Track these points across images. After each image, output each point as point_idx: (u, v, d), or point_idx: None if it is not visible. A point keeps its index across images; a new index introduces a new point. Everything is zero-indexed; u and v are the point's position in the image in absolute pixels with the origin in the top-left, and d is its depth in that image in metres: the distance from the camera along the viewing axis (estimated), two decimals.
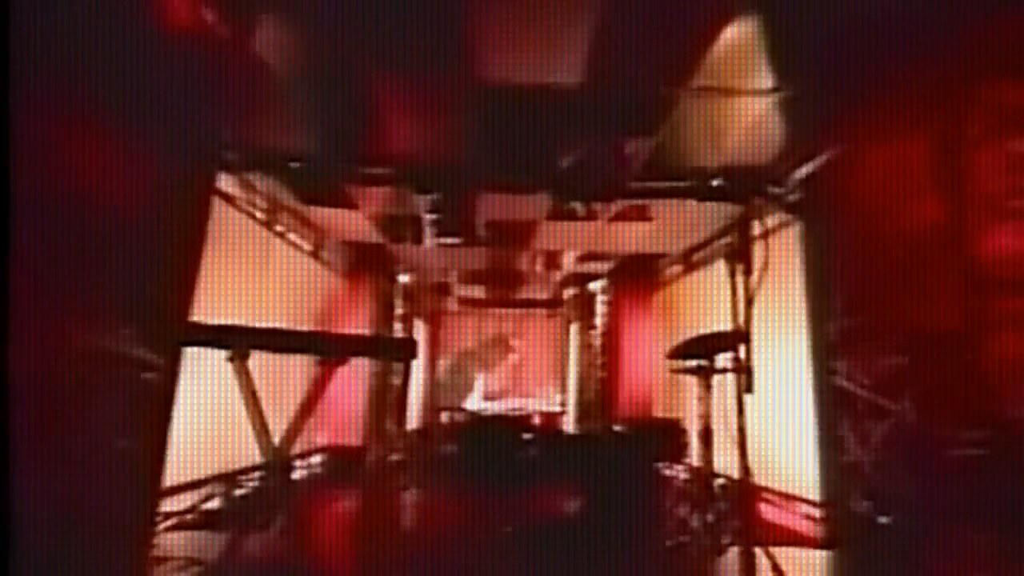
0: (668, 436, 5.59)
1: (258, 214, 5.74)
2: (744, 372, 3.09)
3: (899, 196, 3.93)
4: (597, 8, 3.13)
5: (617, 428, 6.76)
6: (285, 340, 3.39)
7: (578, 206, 5.78)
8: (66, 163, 3.11)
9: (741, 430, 3.04)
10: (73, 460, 3.46)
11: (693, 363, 3.99)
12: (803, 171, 4.85)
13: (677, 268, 8.06)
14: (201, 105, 4.27)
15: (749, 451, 3.10)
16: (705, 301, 6.99)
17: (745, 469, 3.02)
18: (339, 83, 4.11)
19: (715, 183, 5.06)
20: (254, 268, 5.81)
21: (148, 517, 4.04)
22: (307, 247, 7.16)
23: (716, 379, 3.82)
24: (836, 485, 4.48)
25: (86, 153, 3.28)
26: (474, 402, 11.74)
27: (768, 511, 5.21)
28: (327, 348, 3.04)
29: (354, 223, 6.82)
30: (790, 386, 5.03)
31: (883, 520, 4.10)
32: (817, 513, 4.73)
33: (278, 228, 6.20)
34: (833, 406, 4.56)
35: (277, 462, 2.85)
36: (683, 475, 6.25)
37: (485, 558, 4.01)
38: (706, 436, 3.81)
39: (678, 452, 5.54)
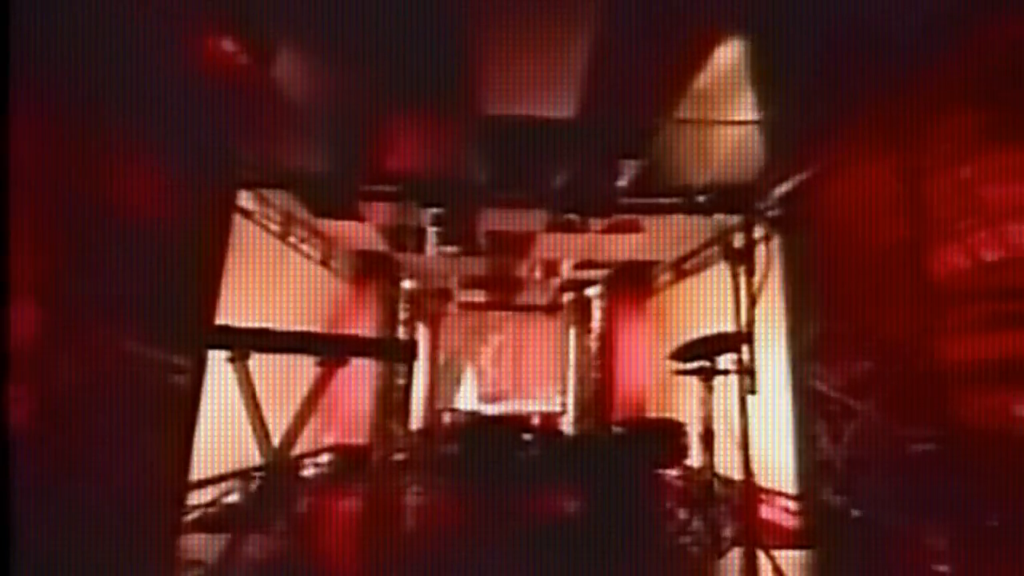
0: (669, 437, 5.58)
1: (273, 227, 6.11)
2: (747, 373, 3.38)
3: (866, 215, 4.30)
4: (590, 44, 3.50)
5: (617, 429, 6.88)
6: (288, 341, 3.73)
7: (574, 218, 6.13)
8: (101, 183, 3.49)
9: (744, 431, 3.29)
10: (108, 459, 3.83)
11: (696, 364, 4.25)
12: (782, 189, 5.21)
13: (668, 275, 8.43)
14: (222, 127, 4.63)
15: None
16: (695, 306, 7.38)
17: (748, 470, 3.24)
18: (350, 107, 4.47)
19: (701, 199, 5.43)
20: (269, 276, 6.17)
21: (176, 511, 4.41)
22: (317, 256, 7.53)
23: (716, 380, 4.13)
24: (811, 481, 4.84)
25: (118, 173, 3.65)
26: (467, 398, 12.09)
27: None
28: (330, 348, 3.37)
29: (361, 234, 7.20)
30: (770, 388, 5.39)
31: (855, 513, 4.45)
32: (792, 507, 5.09)
33: (291, 240, 6.56)
34: (808, 407, 4.92)
35: (276, 463, 3.04)
36: (684, 475, 6.40)
37: (486, 558, 4.07)
38: (707, 437, 4.08)
39: (679, 453, 5.55)
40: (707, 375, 4.20)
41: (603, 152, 4.65)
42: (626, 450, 5.38)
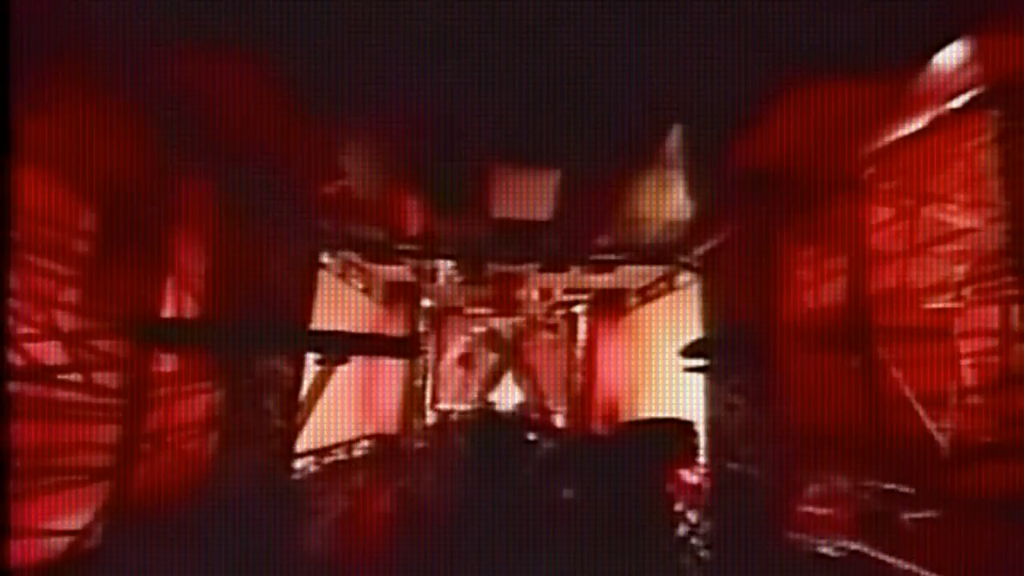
0: (679, 436, 5.90)
1: (336, 269, 8.37)
2: (749, 371, 5.27)
3: (752, 266, 6.42)
4: (561, 178, 5.68)
5: (620, 428, 7.82)
6: (309, 339, 5.96)
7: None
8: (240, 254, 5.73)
9: (745, 426, 4.97)
10: (256, 436, 6.09)
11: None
12: (703, 247, 7.41)
13: (636, 299, 10.65)
14: (309, 208, 6.85)
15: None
16: (657, 323, 9.61)
17: (748, 463, 4.88)
18: (393, 197, 6.66)
19: (646, 254, 7.65)
20: (329, 301, 8.40)
21: (290, 466, 6.70)
22: (360, 286, 9.77)
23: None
24: (716, 452, 7.01)
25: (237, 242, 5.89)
26: (485, 394, 14.02)
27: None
28: (342, 346, 5.59)
29: (395, 271, 9.44)
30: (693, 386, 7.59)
31: (752, 473, 6.57)
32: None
33: (347, 277, 8.81)
34: (718, 405, 7.08)
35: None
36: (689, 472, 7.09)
37: (493, 545, 4.37)
38: (712, 432, 5.70)
39: (690, 451, 5.89)
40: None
41: (575, 231, 6.87)
42: (637, 448, 5.52)
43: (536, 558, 4.13)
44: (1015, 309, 3.49)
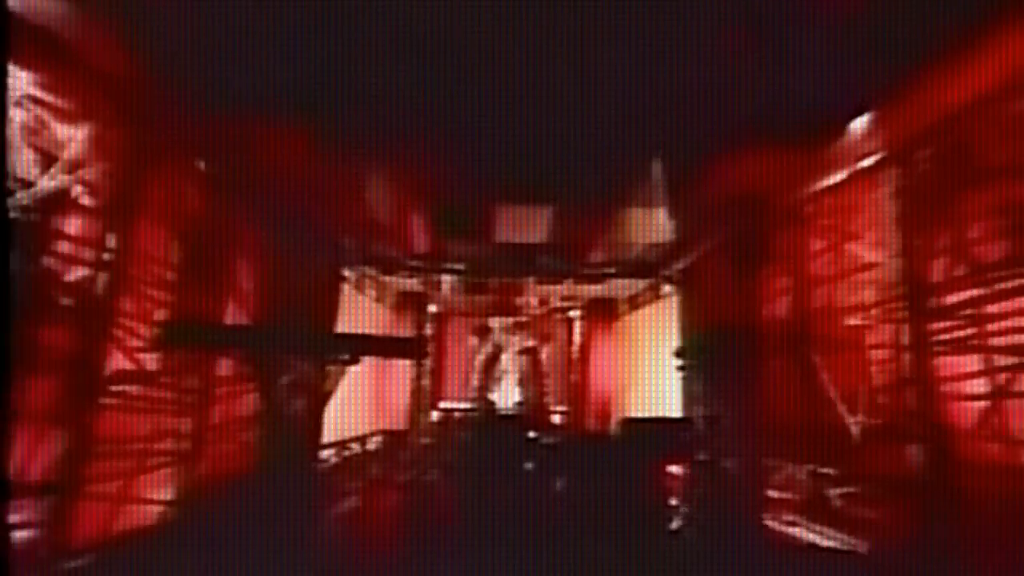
0: (676, 433, 6.28)
1: (353, 281, 9.35)
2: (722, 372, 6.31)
3: (724, 280, 7.39)
4: (554, 212, 6.67)
5: (618, 425, 7.87)
6: (324, 342, 6.96)
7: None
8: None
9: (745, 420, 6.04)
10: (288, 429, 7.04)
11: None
12: (680, 264, 8.38)
13: (626, 306, 11.63)
14: (335, 229, 7.83)
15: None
16: (645, 328, 10.58)
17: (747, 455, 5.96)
18: (408, 222, 7.64)
19: (632, 269, 8.63)
20: (347, 309, 9.38)
21: (317, 454, 7.68)
22: (374, 296, 10.74)
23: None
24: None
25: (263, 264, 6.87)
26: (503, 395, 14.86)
27: None
28: (353, 348, 6.59)
29: (406, 282, 10.42)
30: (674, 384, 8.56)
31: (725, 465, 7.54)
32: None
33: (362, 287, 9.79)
34: (694, 403, 8.05)
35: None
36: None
37: (495, 536, 4.58)
38: (711, 428, 6.70)
39: (686, 447, 6.22)
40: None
41: (568, 248, 7.87)
42: (633, 444, 5.75)
43: (536, 549, 4.29)
44: (904, 328, 4.47)
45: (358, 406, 9.96)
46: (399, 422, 11.94)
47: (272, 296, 6.45)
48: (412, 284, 10.70)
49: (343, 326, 8.54)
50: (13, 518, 3.51)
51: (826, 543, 5.05)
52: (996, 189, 3.79)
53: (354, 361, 7.15)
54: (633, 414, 10.02)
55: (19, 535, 3.56)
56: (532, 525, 4.79)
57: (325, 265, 7.90)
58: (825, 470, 5.34)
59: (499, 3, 4.26)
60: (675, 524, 5.49)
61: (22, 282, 3.38)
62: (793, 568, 4.46)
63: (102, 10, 3.46)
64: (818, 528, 5.31)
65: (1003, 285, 3.70)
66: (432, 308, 13.47)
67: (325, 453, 8.72)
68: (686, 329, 8.42)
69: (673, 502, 5.79)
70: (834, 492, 5.21)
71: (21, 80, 3.33)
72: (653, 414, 8.60)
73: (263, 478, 6.33)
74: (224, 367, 5.77)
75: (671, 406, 8.43)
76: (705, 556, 4.66)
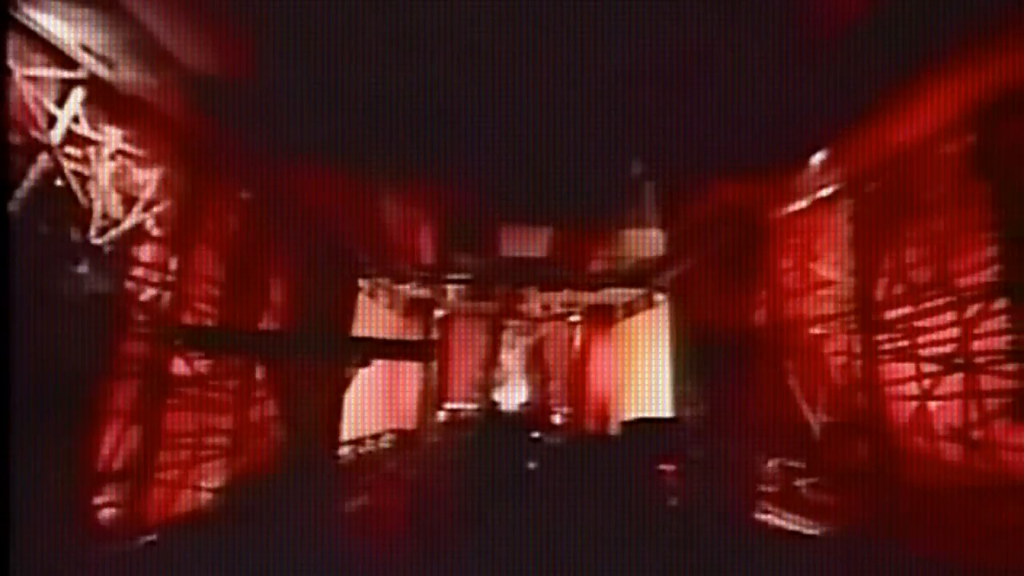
0: (665, 432, 6.73)
1: (366, 290, 10.07)
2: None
3: (713, 287, 8.08)
4: (552, 234, 7.37)
5: (618, 426, 8.83)
6: (334, 345, 7.67)
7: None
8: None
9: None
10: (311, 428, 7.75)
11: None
12: (671, 273, 9.07)
13: (622, 312, 12.32)
14: (351, 243, 8.54)
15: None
16: (640, 332, 11.26)
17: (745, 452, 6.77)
18: (416, 238, 8.34)
19: (627, 279, 9.33)
20: (361, 315, 10.09)
21: (337, 446, 8.39)
22: (386, 303, 11.46)
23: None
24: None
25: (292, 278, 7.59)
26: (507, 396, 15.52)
27: None
28: (363, 349, 7.29)
29: (414, 289, 11.16)
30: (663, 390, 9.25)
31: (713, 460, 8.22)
32: None
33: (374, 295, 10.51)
34: (682, 404, 8.74)
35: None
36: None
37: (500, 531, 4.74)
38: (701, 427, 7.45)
39: (678, 446, 6.67)
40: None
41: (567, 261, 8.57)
42: (633, 443, 6.23)
43: (537, 543, 4.40)
44: (856, 338, 5.16)
45: (371, 406, 10.67)
46: (409, 421, 12.65)
47: (299, 306, 7.16)
48: (421, 292, 11.42)
49: (358, 331, 9.27)
50: (100, 499, 4.25)
51: (794, 528, 5.72)
52: (924, 222, 4.47)
53: (366, 363, 7.87)
54: (630, 414, 10.73)
55: (105, 513, 4.28)
56: (535, 522, 4.94)
57: (343, 277, 8.62)
58: (793, 463, 6.01)
59: (505, 54, 4.96)
60: (671, 519, 5.85)
61: (109, 303, 4.09)
62: (773, 553, 4.84)
63: (174, 74, 4.17)
64: (789, 516, 5.98)
65: (928, 304, 4.38)
66: (439, 313, 14.17)
67: (343, 450, 9.43)
68: (676, 334, 9.12)
69: (670, 498, 6.12)
70: (801, 483, 5.89)
71: (112, 137, 4.05)
72: (647, 414, 9.15)
73: (288, 471, 7.03)
74: (260, 372, 6.49)
75: (663, 407, 9.13)
76: (699, 548, 4.80)
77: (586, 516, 5.12)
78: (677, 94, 5.19)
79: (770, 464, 6.55)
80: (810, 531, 5.53)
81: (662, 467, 6.61)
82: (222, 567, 3.91)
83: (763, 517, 6.35)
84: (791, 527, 5.72)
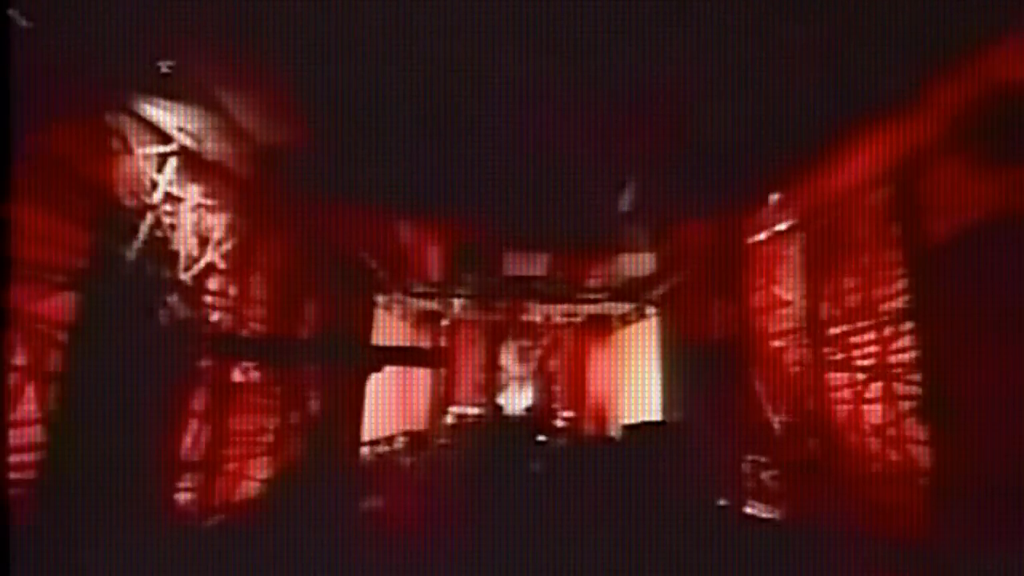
0: (664, 434, 7.15)
1: (382, 303, 11.05)
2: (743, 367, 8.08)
3: (698, 301, 9.01)
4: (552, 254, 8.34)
5: (621, 429, 9.20)
6: (344, 351, 8.63)
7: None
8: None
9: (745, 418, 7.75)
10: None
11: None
12: (658, 290, 10.01)
13: (618, 322, 13.27)
14: (372, 265, 9.51)
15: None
16: (634, 342, 12.20)
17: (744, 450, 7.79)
18: (429, 260, 9.31)
19: (620, 293, 10.27)
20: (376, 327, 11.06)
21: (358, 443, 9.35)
22: (398, 313, 12.43)
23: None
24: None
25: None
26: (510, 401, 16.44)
27: None
28: (375, 356, 8.24)
29: (425, 302, 12.14)
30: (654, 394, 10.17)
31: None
32: None
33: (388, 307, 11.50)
34: (673, 408, 9.66)
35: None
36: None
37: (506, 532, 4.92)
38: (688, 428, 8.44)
39: (676, 449, 6.91)
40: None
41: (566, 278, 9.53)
42: (636, 445, 6.53)
43: (543, 543, 4.49)
44: (808, 350, 6.10)
45: (385, 409, 11.62)
46: (420, 424, 13.60)
47: (327, 320, 8.14)
48: (431, 304, 12.41)
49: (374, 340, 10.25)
50: (179, 485, 5.21)
51: (764, 515, 6.64)
52: (856, 256, 5.42)
53: (376, 369, 8.80)
54: (628, 418, 11.64)
55: (182, 497, 5.24)
56: (540, 522, 5.03)
57: (364, 294, 9.61)
58: (760, 458, 6.94)
59: (509, 104, 5.91)
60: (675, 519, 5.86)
61: (189, 326, 5.07)
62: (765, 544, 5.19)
63: (240, 142, 5.17)
64: (758, 505, 6.90)
65: (858, 324, 5.33)
66: (446, 323, 15.13)
67: (363, 450, 10.37)
68: (664, 343, 10.06)
69: (671, 498, 6.19)
70: (766, 475, 6.81)
71: (192, 193, 5.05)
72: (641, 419, 10.02)
73: (314, 469, 7.98)
74: (298, 380, 7.45)
75: (654, 411, 10.06)
76: (699, 547, 4.82)
77: (589, 517, 5.27)
78: (663, 137, 6.15)
79: (745, 461, 7.48)
80: (770, 516, 6.43)
81: (663, 468, 6.76)
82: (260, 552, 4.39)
83: (750, 511, 7.26)
84: (765, 516, 6.62)
